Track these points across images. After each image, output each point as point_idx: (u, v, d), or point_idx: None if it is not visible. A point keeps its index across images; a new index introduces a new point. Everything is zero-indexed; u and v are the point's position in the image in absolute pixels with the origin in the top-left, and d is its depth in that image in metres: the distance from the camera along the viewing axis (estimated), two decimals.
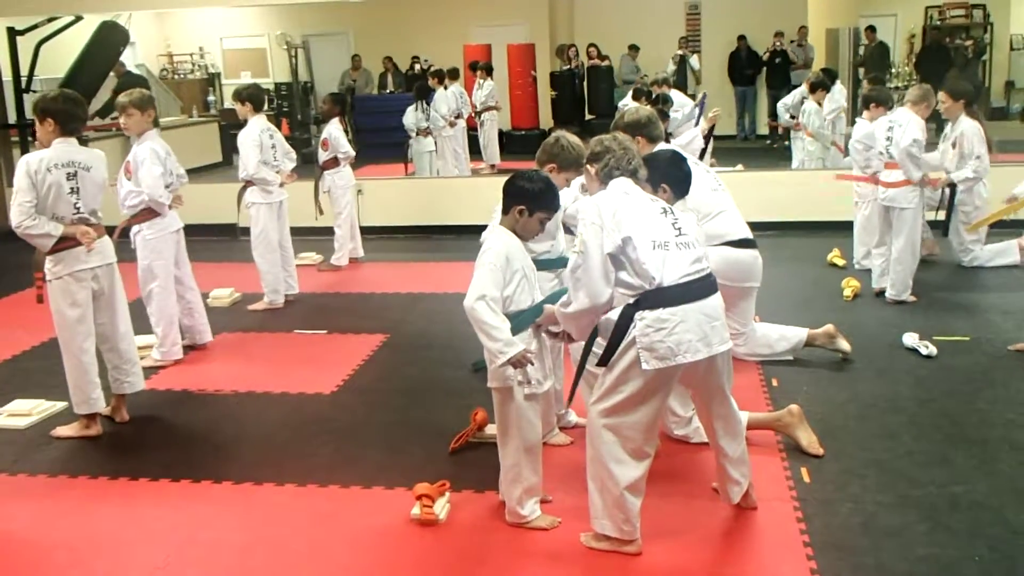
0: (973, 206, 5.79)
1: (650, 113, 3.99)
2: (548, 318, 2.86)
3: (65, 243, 3.66)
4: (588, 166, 2.88)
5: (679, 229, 2.67)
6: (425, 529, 2.95)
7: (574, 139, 3.38)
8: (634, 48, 11.64)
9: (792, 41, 11.17)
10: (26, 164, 3.63)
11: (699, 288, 2.65)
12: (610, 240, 2.61)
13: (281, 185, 5.71)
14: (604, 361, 2.67)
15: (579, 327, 2.76)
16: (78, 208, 3.69)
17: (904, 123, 5.18)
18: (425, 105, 9.04)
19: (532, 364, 2.77)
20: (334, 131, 6.59)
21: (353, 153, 6.75)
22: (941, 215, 5.70)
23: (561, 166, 3.31)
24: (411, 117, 8.95)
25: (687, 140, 5.80)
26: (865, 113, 5.88)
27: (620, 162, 2.80)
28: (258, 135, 5.60)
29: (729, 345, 2.73)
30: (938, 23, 11.88)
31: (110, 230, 3.93)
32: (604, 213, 2.65)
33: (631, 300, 2.63)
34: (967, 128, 5.70)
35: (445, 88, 9.38)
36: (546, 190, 2.86)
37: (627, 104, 8.26)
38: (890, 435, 3.53)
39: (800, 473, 3.22)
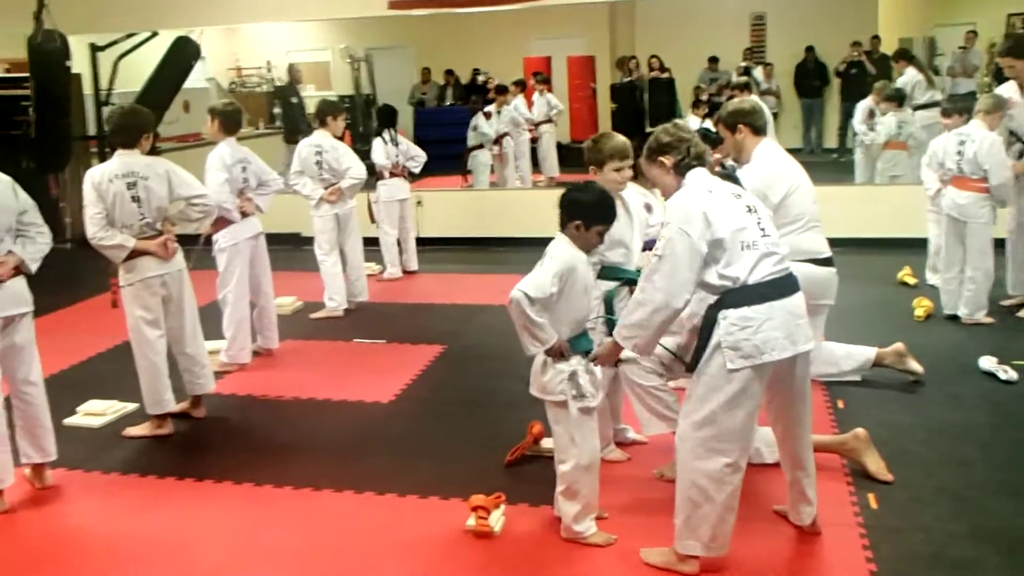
0: None
1: (754, 103, 3.93)
2: (607, 355, 2.82)
3: (136, 253, 3.80)
4: (662, 159, 2.74)
5: (763, 230, 2.61)
6: (479, 541, 2.95)
7: (604, 133, 3.33)
8: (714, 60, 11.52)
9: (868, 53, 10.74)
10: (90, 178, 3.78)
11: (783, 286, 2.58)
12: (702, 245, 2.53)
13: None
14: (692, 367, 2.61)
15: (647, 335, 2.60)
16: (143, 215, 3.81)
17: (979, 139, 4.94)
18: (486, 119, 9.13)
19: (567, 357, 2.75)
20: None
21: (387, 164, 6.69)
22: None
23: (608, 156, 3.21)
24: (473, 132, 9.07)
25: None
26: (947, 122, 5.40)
27: (696, 149, 2.71)
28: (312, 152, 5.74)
29: (812, 344, 2.65)
30: (1022, 31, 11.40)
31: (182, 238, 4.04)
32: (694, 216, 2.55)
33: (712, 301, 2.58)
34: None
35: (508, 103, 9.47)
36: (599, 201, 2.80)
37: (688, 117, 8.20)
38: (962, 463, 3.40)
39: (867, 499, 3.11)
